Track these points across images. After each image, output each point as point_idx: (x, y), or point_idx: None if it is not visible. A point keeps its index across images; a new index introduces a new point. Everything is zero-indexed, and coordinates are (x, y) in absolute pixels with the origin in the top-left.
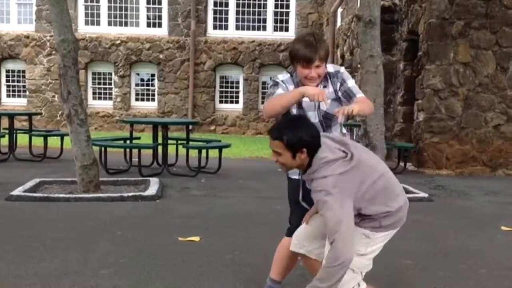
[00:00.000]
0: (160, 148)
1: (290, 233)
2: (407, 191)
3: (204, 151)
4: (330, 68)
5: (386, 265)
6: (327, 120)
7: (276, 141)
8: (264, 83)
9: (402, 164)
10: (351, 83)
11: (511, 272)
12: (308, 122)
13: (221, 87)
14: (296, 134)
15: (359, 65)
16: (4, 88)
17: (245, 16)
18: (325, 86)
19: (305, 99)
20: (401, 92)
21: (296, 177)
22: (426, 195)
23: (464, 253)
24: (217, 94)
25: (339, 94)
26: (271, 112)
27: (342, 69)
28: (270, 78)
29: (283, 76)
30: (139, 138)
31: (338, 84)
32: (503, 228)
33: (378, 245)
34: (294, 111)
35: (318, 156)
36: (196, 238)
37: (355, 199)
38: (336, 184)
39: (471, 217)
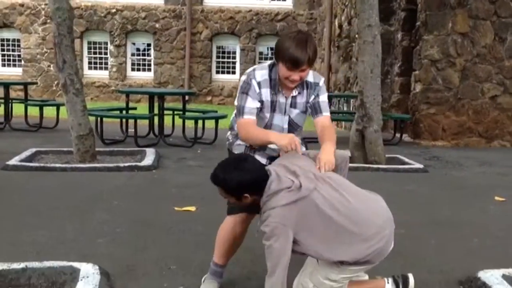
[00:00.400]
0: (156, 119)
1: (229, 212)
2: (402, 162)
3: (200, 122)
4: (310, 77)
5: None
6: (291, 127)
7: (218, 187)
8: (261, 53)
9: (398, 135)
10: (323, 98)
11: (503, 242)
12: (251, 165)
13: (217, 57)
14: (237, 179)
15: (356, 35)
16: None
17: None
18: (299, 93)
19: (280, 99)
20: (399, 62)
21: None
22: (421, 166)
23: (457, 223)
24: (214, 65)
25: (308, 105)
26: (249, 141)
27: (322, 82)
28: (267, 48)
29: (261, 75)
30: (135, 108)
31: (312, 97)
32: (496, 198)
33: (353, 274)
34: (267, 115)
35: (266, 188)
36: (192, 208)
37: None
38: (280, 216)
39: (465, 187)
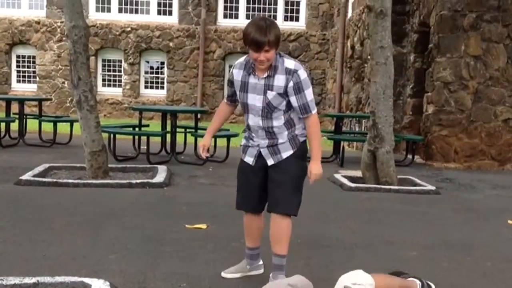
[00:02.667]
0: (168, 136)
1: (238, 207)
2: (414, 184)
3: (212, 140)
4: (291, 64)
5: (391, 256)
6: (269, 108)
7: None
8: None
9: (410, 156)
10: (309, 95)
11: None
12: None
13: None
14: None
15: (369, 56)
16: (14, 74)
17: (256, 5)
18: (269, 76)
19: (251, 80)
20: (411, 84)
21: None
22: (433, 187)
23: (470, 245)
24: (226, 83)
25: (292, 99)
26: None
27: (301, 70)
28: None
29: (239, 61)
30: (147, 125)
31: (291, 83)
32: (509, 222)
33: None
34: (239, 94)
35: None
36: (203, 226)
37: None
38: None
39: (477, 210)
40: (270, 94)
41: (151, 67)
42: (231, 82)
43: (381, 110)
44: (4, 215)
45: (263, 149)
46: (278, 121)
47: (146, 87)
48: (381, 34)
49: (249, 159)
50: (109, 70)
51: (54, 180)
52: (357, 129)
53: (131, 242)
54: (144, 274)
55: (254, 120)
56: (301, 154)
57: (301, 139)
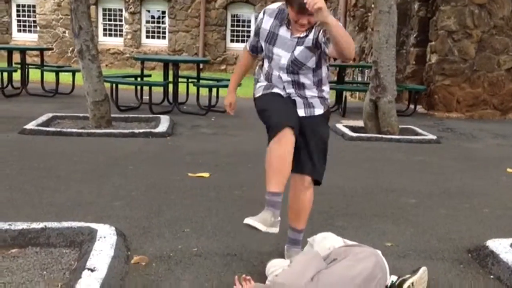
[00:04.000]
0: (170, 86)
1: (279, 124)
2: (415, 133)
3: (214, 90)
4: None
5: (391, 203)
6: (295, 66)
7: None
8: None
9: (412, 106)
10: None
11: None
12: None
13: (232, 25)
14: None
15: (372, 5)
16: (15, 23)
17: None
18: (307, 36)
19: (282, 32)
20: (415, 33)
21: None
22: (434, 137)
23: (468, 193)
24: (228, 33)
25: (320, 41)
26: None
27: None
28: None
29: (273, 6)
30: (149, 75)
31: (318, 33)
32: (508, 170)
33: None
34: (262, 43)
35: None
36: (206, 174)
37: None
38: None
39: (477, 159)
40: (298, 50)
41: (152, 16)
42: (257, 30)
43: (384, 60)
44: (10, 163)
45: (295, 97)
46: (306, 78)
47: (147, 37)
48: None
49: (279, 91)
50: (109, 20)
51: (58, 129)
52: (359, 79)
53: (135, 190)
54: (148, 220)
55: (279, 75)
56: (328, 118)
57: (328, 102)
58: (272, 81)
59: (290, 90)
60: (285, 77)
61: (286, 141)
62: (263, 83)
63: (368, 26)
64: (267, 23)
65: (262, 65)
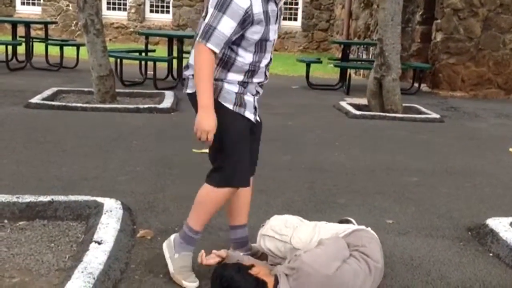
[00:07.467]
0: (175, 62)
1: (247, 182)
2: (419, 112)
3: None
4: None
5: (392, 181)
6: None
7: None
8: None
9: (416, 84)
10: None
11: None
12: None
13: None
14: None
15: None
16: None
17: None
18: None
19: (271, 7)
20: (420, 11)
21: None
22: (437, 116)
23: (470, 172)
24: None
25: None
26: (195, 81)
27: None
28: None
29: None
30: (154, 50)
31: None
32: (511, 149)
33: None
34: (263, 29)
35: None
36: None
37: None
38: None
39: (480, 138)
40: (278, 19)
41: None
42: (247, 18)
43: (389, 38)
44: (16, 137)
45: (258, 97)
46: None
47: (151, 11)
48: None
49: (250, 115)
50: None
51: (63, 103)
52: (364, 56)
53: (140, 165)
54: (153, 194)
55: (267, 60)
56: None
57: None
58: (253, 80)
59: (260, 89)
60: (267, 59)
61: (237, 194)
62: (232, 87)
63: (373, 3)
64: (257, 6)
65: (225, 62)
